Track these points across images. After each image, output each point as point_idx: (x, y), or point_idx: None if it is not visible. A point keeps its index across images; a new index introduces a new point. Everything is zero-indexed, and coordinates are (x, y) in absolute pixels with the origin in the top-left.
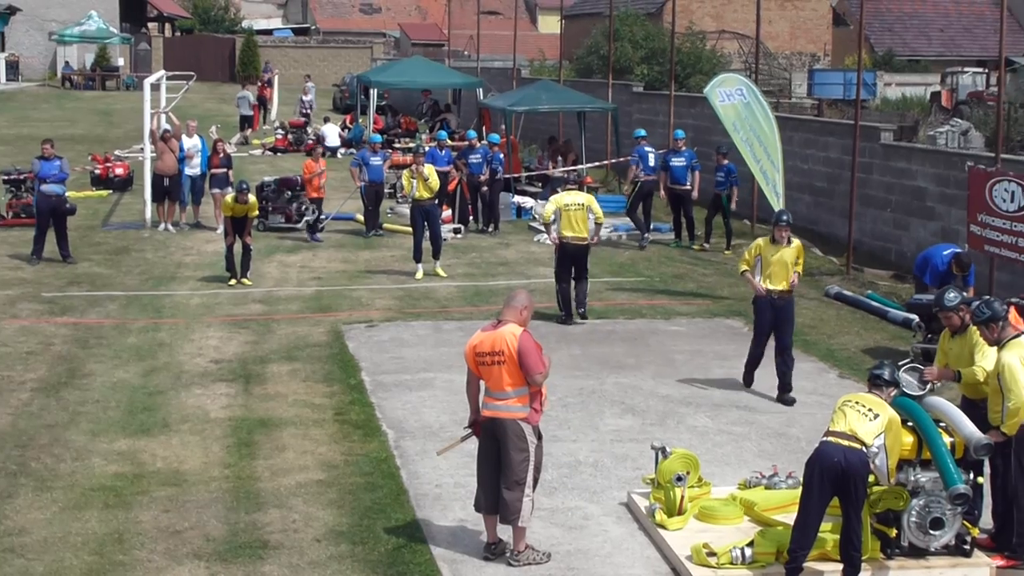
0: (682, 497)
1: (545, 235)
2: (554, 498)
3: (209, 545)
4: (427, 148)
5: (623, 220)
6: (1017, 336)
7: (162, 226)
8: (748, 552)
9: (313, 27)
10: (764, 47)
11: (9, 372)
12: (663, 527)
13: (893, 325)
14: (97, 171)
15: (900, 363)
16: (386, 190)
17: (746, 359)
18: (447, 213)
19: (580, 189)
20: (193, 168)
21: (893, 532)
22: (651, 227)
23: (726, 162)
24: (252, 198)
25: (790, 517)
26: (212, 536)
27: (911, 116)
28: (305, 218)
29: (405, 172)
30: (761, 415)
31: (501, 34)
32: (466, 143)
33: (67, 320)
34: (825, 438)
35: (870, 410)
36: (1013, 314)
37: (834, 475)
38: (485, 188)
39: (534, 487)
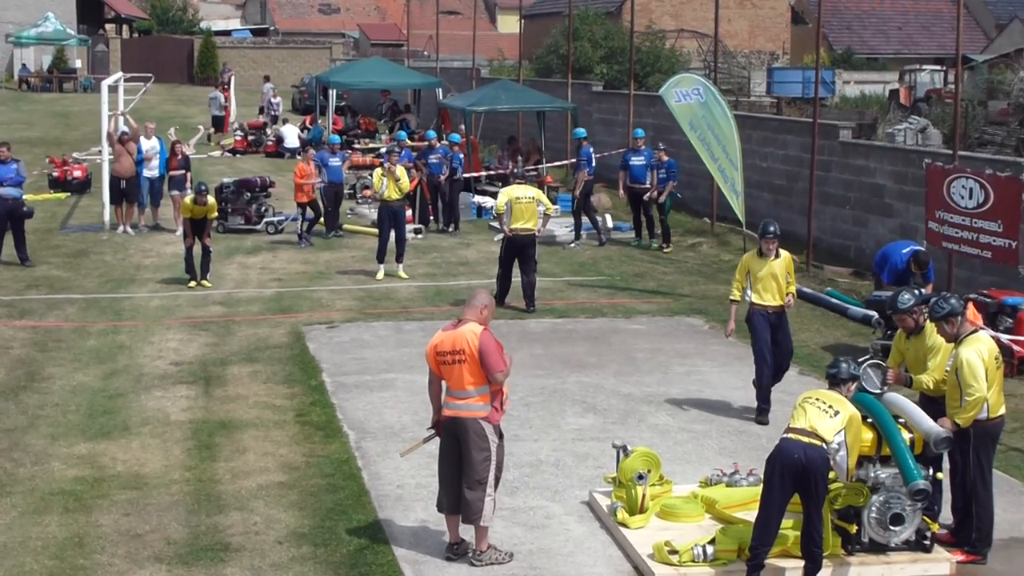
0: (643, 495)
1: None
2: (516, 497)
3: (170, 548)
4: (398, 149)
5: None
6: (974, 332)
7: (121, 228)
8: (710, 550)
9: (272, 28)
10: (723, 46)
11: None
12: (625, 526)
13: (853, 322)
14: (55, 174)
15: (860, 360)
16: (346, 191)
17: (758, 389)
18: (408, 213)
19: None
20: (151, 170)
21: (854, 528)
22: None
23: (666, 159)
24: (211, 200)
25: (751, 514)
26: (173, 539)
27: (870, 114)
28: (299, 223)
29: (377, 171)
30: (722, 413)
31: (460, 34)
32: (426, 143)
33: (26, 323)
34: (785, 435)
35: (830, 407)
36: (971, 310)
37: (795, 472)
38: (446, 188)
39: (496, 487)
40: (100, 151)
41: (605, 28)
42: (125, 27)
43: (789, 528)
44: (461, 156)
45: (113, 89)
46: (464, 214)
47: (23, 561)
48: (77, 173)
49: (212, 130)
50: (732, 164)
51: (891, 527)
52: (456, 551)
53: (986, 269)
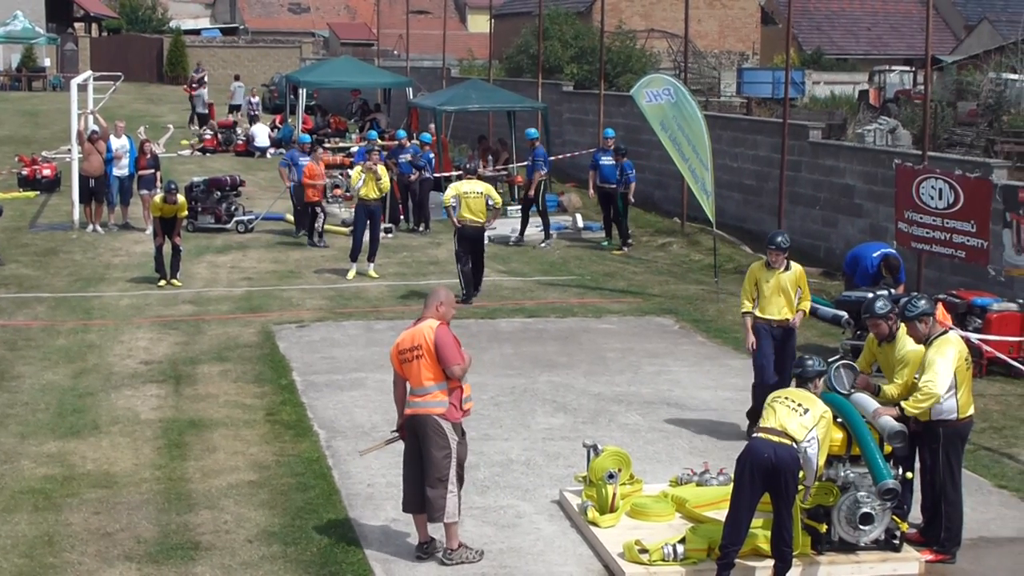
0: (614, 495)
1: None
2: (486, 496)
3: (140, 547)
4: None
5: (554, 219)
6: (945, 333)
7: (90, 227)
8: (680, 549)
9: (241, 27)
10: (693, 46)
11: None
12: (595, 525)
13: (823, 322)
14: (24, 172)
15: (831, 360)
16: None
17: (751, 403)
18: None
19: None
20: (121, 169)
21: (823, 527)
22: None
23: (624, 159)
24: (181, 198)
25: (721, 514)
26: (143, 538)
27: (839, 114)
28: (315, 225)
29: (357, 167)
30: (692, 412)
31: (430, 33)
32: (396, 143)
33: None
34: (755, 434)
35: (800, 405)
36: (941, 310)
37: (765, 471)
38: (416, 188)
39: (460, 484)
40: (69, 150)
41: (575, 28)
42: (94, 26)
43: (759, 527)
44: (431, 156)
45: (83, 88)
46: (434, 213)
47: None
48: (46, 172)
49: (198, 127)
50: (703, 164)
51: (861, 526)
52: (426, 550)
53: (955, 269)
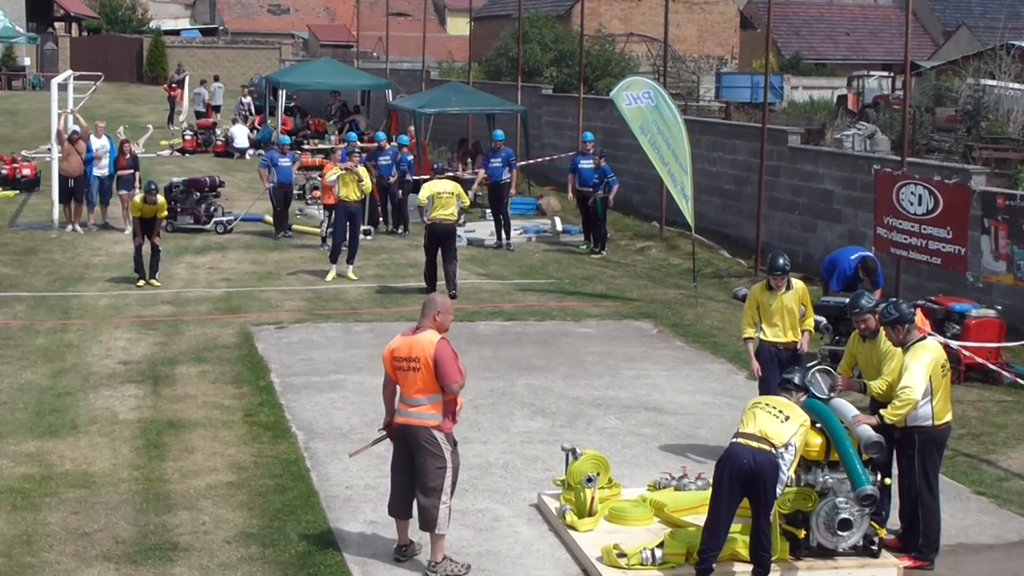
0: (592, 498)
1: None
2: (465, 500)
3: (118, 547)
4: (358, 150)
5: (533, 223)
6: (922, 339)
7: (70, 227)
8: (658, 553)
9: (221, 27)
10: (672, 50)
11: None
12: (573, 528)
13: None
14: (4, 171)
15: (809, 365)
16: (295, 191)
17: None
18: None
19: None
20: (101, 169)
21: (802, 533)
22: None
23: (603, 163)
24: (160, 199)
25: (700, 518)
26: (121, 538)
27: (818, 119)
28: (324, 226)
29: (335, 168)
30: (670, 416)
31: (410, 35)
32: (375, 145)
33: None
34: (735, 439)
35: (780, 411)
36: (920, 316)
37: (744, 476)
38: (399, 190)
39: (451, 494)
40: (49, 149)
41: (555, 31)
42: (74, 25)
43: (738, 532)
44: (410, 158)
45: (63, 87)
46: (413, 216)
47: None
48: (26, 171)
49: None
50: (682, 168)
51: (839, 532)
52: (405, 553)
53: (933, 275)
